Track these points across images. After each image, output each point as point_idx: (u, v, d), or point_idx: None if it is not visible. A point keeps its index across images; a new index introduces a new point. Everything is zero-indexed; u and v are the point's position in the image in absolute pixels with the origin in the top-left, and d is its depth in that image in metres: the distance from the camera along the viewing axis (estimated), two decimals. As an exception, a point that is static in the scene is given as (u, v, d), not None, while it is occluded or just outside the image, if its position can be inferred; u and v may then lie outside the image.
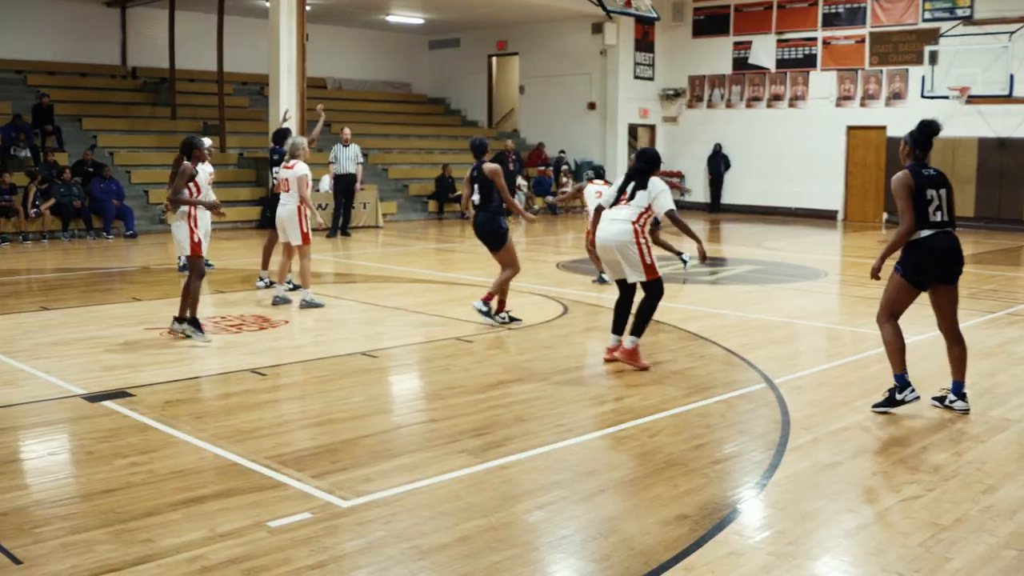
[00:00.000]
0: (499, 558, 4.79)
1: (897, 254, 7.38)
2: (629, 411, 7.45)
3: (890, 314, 7.52)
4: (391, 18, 29.80)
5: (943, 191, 7.32)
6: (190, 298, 9.87)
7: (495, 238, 10.75)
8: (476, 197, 10.69)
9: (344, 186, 21.84)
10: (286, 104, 20.79)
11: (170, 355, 9.39)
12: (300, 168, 11.86)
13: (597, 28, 29.06)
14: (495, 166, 10.78)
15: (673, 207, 8.72)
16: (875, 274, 7.54)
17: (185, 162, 9.80)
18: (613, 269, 8.90)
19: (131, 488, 5.72)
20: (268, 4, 22.21)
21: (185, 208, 9.98)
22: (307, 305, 11.69)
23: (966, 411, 7.44)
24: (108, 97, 25.93)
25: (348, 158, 21.73)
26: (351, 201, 22.27)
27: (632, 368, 8.70)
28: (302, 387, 8.50)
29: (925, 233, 7.25)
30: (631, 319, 8.86)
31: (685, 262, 9.20)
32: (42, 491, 5.81)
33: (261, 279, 13.37)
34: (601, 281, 13.38)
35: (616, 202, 8.83)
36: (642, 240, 8.66)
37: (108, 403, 7.52)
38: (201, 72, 26.39)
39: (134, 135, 24.40)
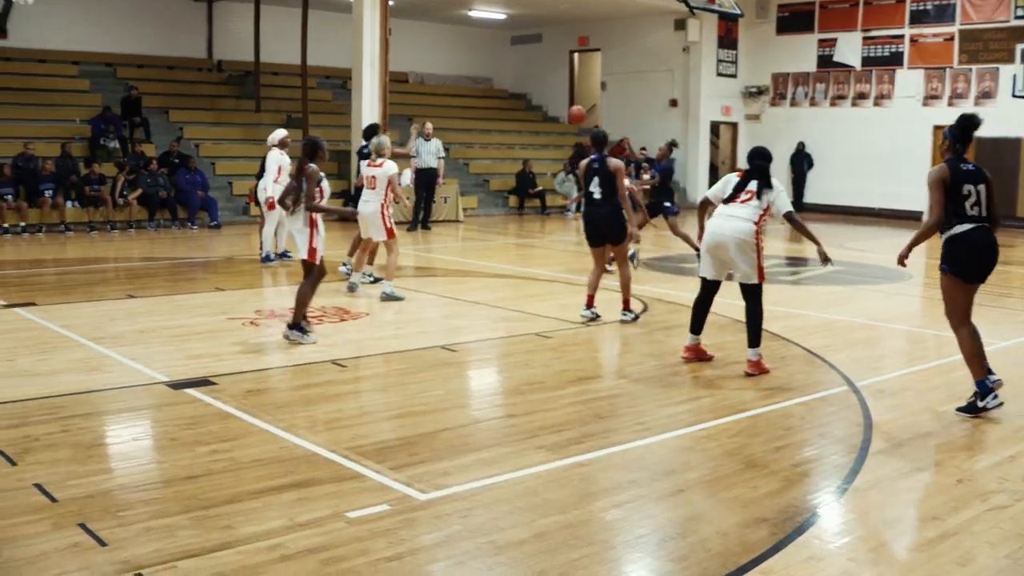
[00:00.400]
0: (576, 555, 4.77)
1: (937, 253, 7.31)
2: (709, 411, 7.39)
3: (960, 317, 7.40)
4: (473, 13, 29.87)
5: (981, 187, 7.23)
6: (298, 302, 9.61)
7: (621, 231, 10.64)
8: (596, 190, 10.55)
9: (425, 180, 21.95)
10: (369, 98, 20.95)
11: (252, 344, 9.51)
12: (389, 167, 11.91)
13: (680, 24, 28.87)
14: (620, 162, 10.69)
15: (792, 208, 8.58)
16: (901, 260, 7.50)
17: (311, 165, 9.59)
18: (720, 267, 8.62)
19: (212, 475, 5.80)
20: (352, -1, 22.39)
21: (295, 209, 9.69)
22: (387, 297, 11.77)
23: (999, 404, 7.34)
24: (194, 90, 26.36)
25: (430, 152, 21.83)
26: (432, 195, 22.38)
27: (706, 368, 8.63)
28: (382, 379, 8.55)
29: (963, 228, 7.18)
30: (748, 332, 8.51)
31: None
32: (127, 475, 5.91)
33: (344, 264, 13.46)
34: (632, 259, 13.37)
35: (732, 199, 8.53)
36: (761, 242, 8.46)
37: (191, 391, 7.63)
38: (285, 66, 26.66)
39: (219, 127, 24.75)
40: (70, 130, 22.65)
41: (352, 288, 12.33)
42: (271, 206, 14.64)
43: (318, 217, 9.65)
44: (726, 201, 8.58)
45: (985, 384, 7.27)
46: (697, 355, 8.86)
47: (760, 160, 8.59)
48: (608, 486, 5.78)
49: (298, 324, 9.50)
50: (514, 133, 30.44)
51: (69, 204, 20.31)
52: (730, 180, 8.69)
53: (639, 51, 30.44)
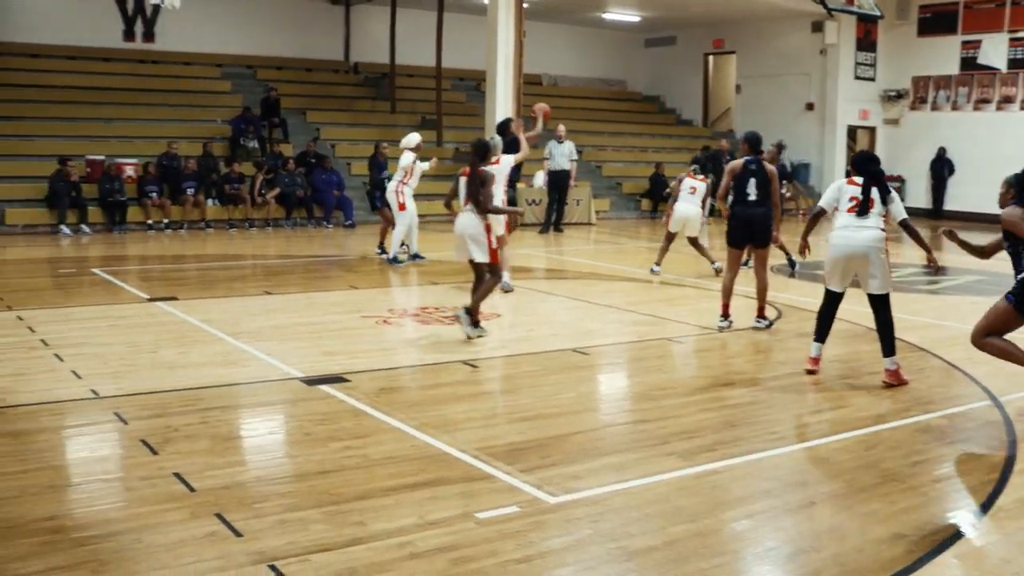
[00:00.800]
0: (707, 565, 4.70)
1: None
2: (844, 422, 7.22)
3: (986, 333, 7.40)
4: (607, 15, 29.82)
5: None
6: (479, 297, 9.72)
7: (768, 235, 10.53)
8: (753, 192, 10.39)
9: (558, 182, 21.98)
10: (502, 100, 21.04)
11: (385, 343, 9.63)
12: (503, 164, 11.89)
13: (817, 27, 28.34)
14: (774, 168, 10.69)
15: (906, 215, 8.39)
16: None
17: (485, 168, 9.69)
18: (846, 276, 8.36)
19: (345, 471, 5.87)
20: (487, 1, 22.52)
21: (467, 212, 9.74)
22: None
23: None
24: (331, 91, 26.86)
25: (562, 154, 21.85)
26: (564, 197, 22.41)
27: (840, 377, 8.45)
28: (513, 381, 8.56)
29: None
30: (882, 342, 8.28)
31: (718, 271, 8.84)
32: (262, 468, 6.05)
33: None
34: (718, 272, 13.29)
35: (863, 208, 8.24)
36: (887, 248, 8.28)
37: (325, 387, 7.75)
38: (420, 67, 26.99)
39: (355, 128, 25.16)
40: (212, 130, 23.31)
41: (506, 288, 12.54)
42: (402, 207, 14.86)
43: (492, 220, 9.76)
44: (849, 210, 8.32)
45: None
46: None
47: (877, 166, 8.40)
48: (740, 495, 5.69)
49: (476, 321, 9.63)
50: (647, 136, 30.27)
51: (210, 202, 20.91)
52: (843, 189, 8.42)
53: (775, 54, 30.00)
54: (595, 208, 24.46)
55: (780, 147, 16.37)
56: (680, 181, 14.77)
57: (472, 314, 9.61)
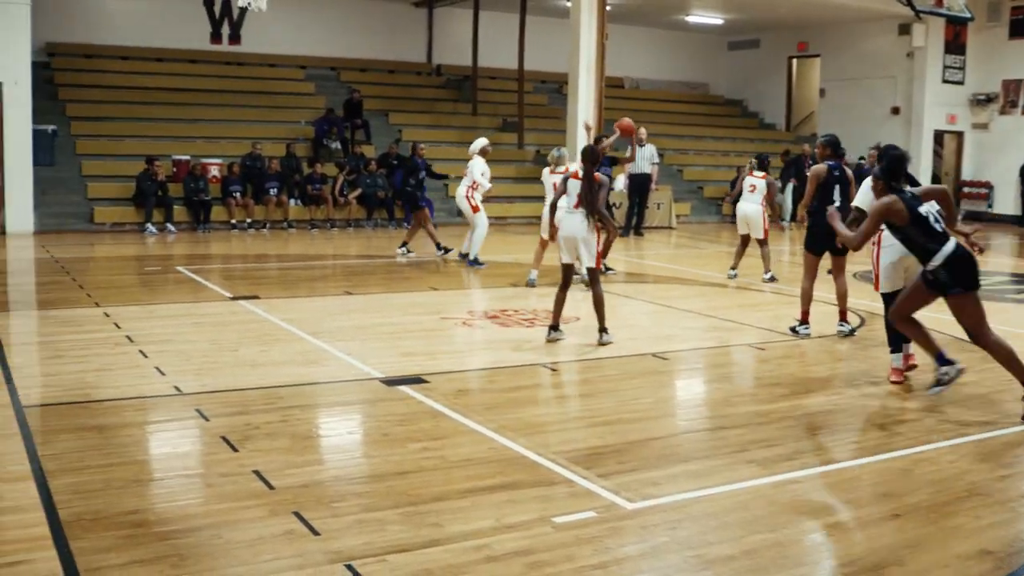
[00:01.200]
0: (786, 576, 4.64)
1: None
2: (928, 433, 7.06)
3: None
4: (690, 18, 29.61)
5: None
6: (599, 307, 9.69)
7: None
8: (839, 199, 10.28)
9: (638, 186, 21.88)
10: (584, 103, 21.01)
11: (464, 345, 9.65)
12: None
13: (904, 29, 27.83)
14: (851, 173, 10.67)
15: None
16: None
17: (601, 176, 9.67)
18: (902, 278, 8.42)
19: (422, 472, 5.88)
20: (569, 4, 22.49)
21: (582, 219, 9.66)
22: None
23: None
24: (413, 93, 27.00)
25: (643, 158, 21.73)
26: (645, 201, 22.32)
27: (924, 387, 8.28)
28: (591, 385, 8.51)
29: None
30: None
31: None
32: (340, 467, 6.10)
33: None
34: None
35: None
36: None
37: (404, 388, 7.78)
38: (502, 70, 27.05)
39: (436, 130, 25.27)
40: (295, 131, 23.58)
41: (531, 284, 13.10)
42: (476, 210, 14.94)
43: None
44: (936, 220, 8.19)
45: None
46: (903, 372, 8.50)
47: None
48: (820, 506, 5.61)
49: (604, 328, 9.66)
50: (729, 140, 29.99)
51: (292, 202, 21.15)
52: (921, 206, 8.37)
53: (860, 57, 29.53)
54: (676, 212, 24.32)
55: (884, 150, 15.91)
56: (742, 179, 14.64)
57: (600, 324, 9.69)
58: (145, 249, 17.44)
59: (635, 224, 21.94)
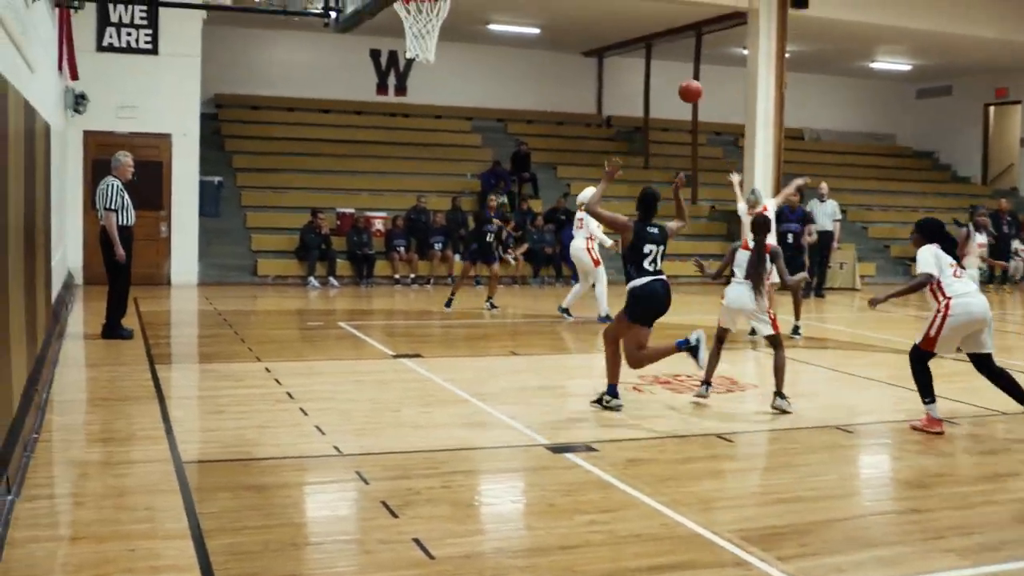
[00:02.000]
0: None
1: None
2: None
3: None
4: (875, 64, 28.72)
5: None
6: (779, 372, 9.29)
7: None
8: None
9: (820, 244, 21.13)
10: (762, 156, 20.51)
11: (635, 411, 9.24)
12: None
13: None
14: None
15: None
16: None
17: (773, 246, 9.53)
18: (975, 342, 8.52)
19: (590, 547, 5.57)
20: (746, 52, 22.06)
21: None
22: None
23: None
24: (582, 145, 26.82)
25: (825, 214, 21.04)
26: (827, 260, 21.58)
27: None
28: (769, 458, 8.09)
29: None
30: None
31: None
32: (503, 538, 5.85)
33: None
34: None
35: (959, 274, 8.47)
36: None
37: (571, 455, 7.47)
38: (675, 121, 26.63)
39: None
40: (461, 184, 23.68)
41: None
42: (596, 263, 14.97)
43: None
44: (955, 275, 8.52)
45: None
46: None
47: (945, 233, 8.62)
48: (1031, 608, 5.03)
49: (782, 392, 9.27)
50: (918, 195, 28.77)
51: (457, 257, 21.08)
52: (940, 256, 8.61)
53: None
54: (860, 272, 23.43)
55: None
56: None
57: (778, 389, 9.26)
58: (307, 303, 17.64)
59: (816, 285, 21.20)
